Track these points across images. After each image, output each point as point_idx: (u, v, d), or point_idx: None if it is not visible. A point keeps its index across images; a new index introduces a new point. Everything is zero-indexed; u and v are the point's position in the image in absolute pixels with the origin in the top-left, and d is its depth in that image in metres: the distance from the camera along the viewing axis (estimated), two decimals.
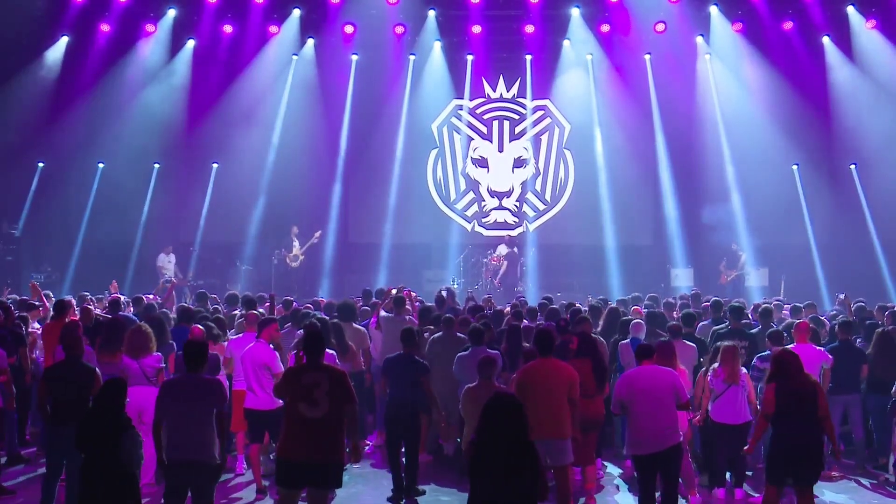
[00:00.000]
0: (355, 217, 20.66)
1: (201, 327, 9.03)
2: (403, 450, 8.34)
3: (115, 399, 6.21)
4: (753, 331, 10.27)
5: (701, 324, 10.70)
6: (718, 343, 8.82)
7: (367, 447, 10.02)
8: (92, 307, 11.00)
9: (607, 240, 19.44)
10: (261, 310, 10.51)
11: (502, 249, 19.09)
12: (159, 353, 8.39)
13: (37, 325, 10.77)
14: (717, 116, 19.49)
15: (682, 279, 18.60)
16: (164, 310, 11.59)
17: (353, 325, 10.26)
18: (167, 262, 18.58)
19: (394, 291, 11.47)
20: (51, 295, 12.50)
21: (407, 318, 10.57)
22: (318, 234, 19.23)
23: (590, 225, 19.74)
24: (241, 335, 9.36)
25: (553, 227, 20.33)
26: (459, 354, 8.78)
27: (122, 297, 12.48)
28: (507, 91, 20.70)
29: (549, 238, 20.08)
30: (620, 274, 18.62)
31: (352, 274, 19.45)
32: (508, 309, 11.76)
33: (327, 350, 7.67)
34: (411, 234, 20.09)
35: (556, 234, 20.17)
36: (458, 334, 9.41)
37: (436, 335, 9.60)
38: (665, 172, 19.61)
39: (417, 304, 12.03)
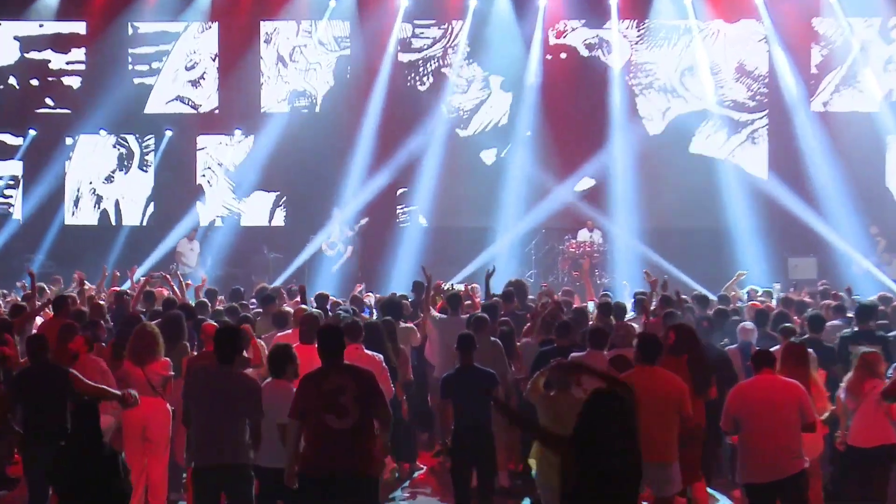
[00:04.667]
0: (401, 200, 20.08)
1: (214, 324, 8.90)
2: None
3: (90, 427, 5.98)
4: (893, 333, 9.61)
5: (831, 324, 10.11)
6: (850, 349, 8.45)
7: (420, 471, 9.97)
8: (103, 303, 11.14)
9: (730, 221, 18.75)
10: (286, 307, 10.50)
11: (584, 235, 18.53)
12: (167, 359, 8.13)
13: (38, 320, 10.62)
14: None
15: (804, 271, 17.92)
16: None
17: (401, 323, 10.16)
18: (188, 250, 18.33)
19: (445, 286, 11.19)
20: (45, 289, 12.50)
21: (464, 317, 10.02)
22: (364, 220, 18.68)
23: (706, 205, 18.95)
24: (288, 332, 9.21)
25: (655, 208, 19.21)
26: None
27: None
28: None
29: (647, 222, 19.01)
30: (735, 261, 17.66)
31: (404, 263, 18.96)
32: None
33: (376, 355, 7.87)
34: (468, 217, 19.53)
35: (656, 218, 19.06)
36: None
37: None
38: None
39: (479, 299, 11.77)
